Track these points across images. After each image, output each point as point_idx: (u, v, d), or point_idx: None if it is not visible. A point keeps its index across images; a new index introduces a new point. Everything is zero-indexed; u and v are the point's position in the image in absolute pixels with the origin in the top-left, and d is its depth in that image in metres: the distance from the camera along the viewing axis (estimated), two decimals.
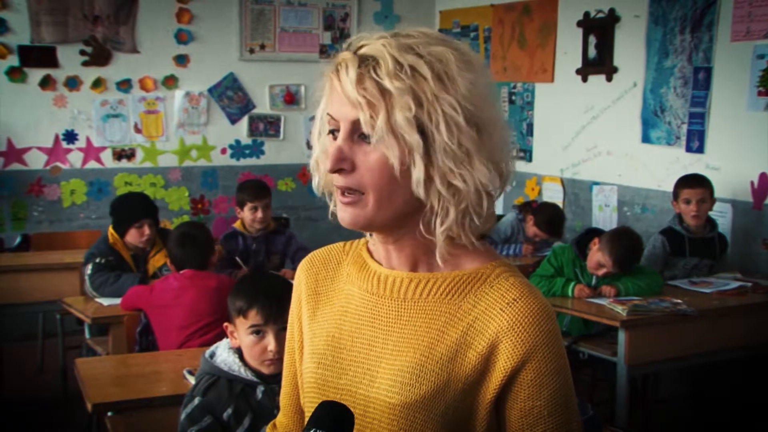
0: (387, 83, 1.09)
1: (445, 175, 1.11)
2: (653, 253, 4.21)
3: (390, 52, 1.10)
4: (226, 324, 2.26)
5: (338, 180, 1.14)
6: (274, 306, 2.14)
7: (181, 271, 3.35)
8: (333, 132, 1.15)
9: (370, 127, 1.10)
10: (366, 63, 1.11)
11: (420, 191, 1.11)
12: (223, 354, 2.18)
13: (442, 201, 1.12)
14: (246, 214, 4.40)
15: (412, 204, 1.14)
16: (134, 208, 3.96)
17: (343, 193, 1.14)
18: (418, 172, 1.10)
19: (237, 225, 4.46)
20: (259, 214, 4.36)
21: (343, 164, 1.12)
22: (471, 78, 1.12)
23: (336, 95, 1.13)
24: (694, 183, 4.22)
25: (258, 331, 2.16)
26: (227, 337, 2.26)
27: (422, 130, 1.10)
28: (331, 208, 1.22)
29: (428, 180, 1.11)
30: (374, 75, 1.10)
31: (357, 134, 1.12)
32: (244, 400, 2.10)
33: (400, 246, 1.19)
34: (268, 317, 2.15)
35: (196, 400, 2.08)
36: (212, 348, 2.23)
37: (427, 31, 1.16)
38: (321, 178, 1.21)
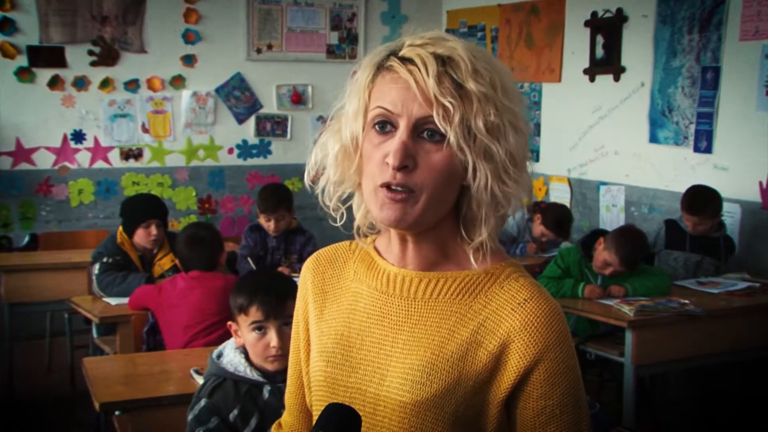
0: (471, 84, 1.10)
1: (501, 180, 1.13)
2: (649, 235, 4.21)
3: (467, 56, 1.11)
4: (230, 323, 2.27)
5: (397, 177, 1.11)
6: (274, 301, 2.14)
7: (189, 272, 3.36)
8: (381, 124, 1.13)
9: (445, 127, 1.10)
10: (443, 62, 1.11)
11: (484, 196, 1.13)
12: (229, 354, 2.19)
13: (484, 207, 1.14)
14: (262, 221, 4.45)
15: (451, 206, 1.16)
16: (142, 209, 3.98)
17: (392, 190, 1.12)
18: (482, 177, 1.11)
19: (261, 220, 4.50)
20: (272, 224, 4.39)
21: (409, 161, 1.10)
22: (519, 91, 1.17)
23: (398, 90, 1.11)
24: (692, 209, 4.17)
25: (260, 328, 2.17)
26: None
27: (492, 135, 1.12)
28: (333, 211, 1.21)
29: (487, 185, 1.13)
30: (453, 74, 1.10)
31: (420, 132, 1.11)
32: (250, 401, 2.10)
33: (419, 246, 1.19)
34: (269, 313, 2.16)
35: (203, 402, 2.09)
36: (219, 348, 2.23)
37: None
38: (340, 173, 1.19)
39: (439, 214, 1.15)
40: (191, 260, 3.37)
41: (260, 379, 2.13)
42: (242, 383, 2.12)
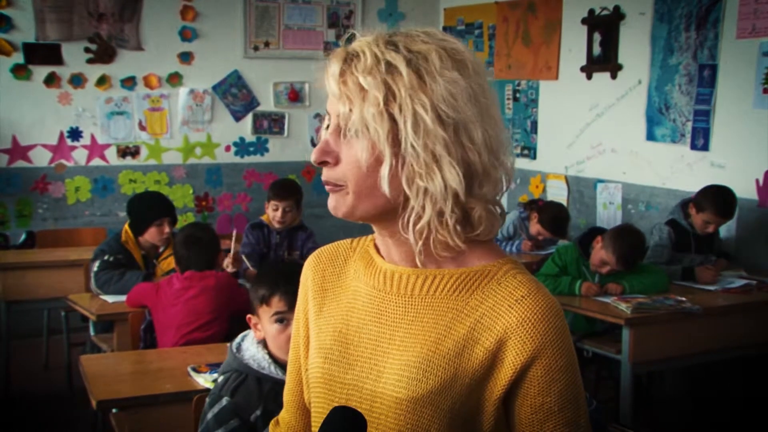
0: (364, 77, 1.11)
1: (410, 174, 1.12)
2: (660, 244, 4.18)
3: (372, 49, 1.12)
4: (249, 316, 2.22)
5: (323, 173, 1.18)
6: (298, 291, 2.09)
7: (184, 272, 3.35)
8: (329, 127, 1.18)
9: (346, 121, 1.13)
10: (349, 58, 1.13)
11: (385, 187, 1.12)
12: (251, 348, 2.12)
13: (418, 200, 1.12)
14: (269, 211, 4.45)
15: (395, 200, 1.14)
16: (155, 207, 3.98)
17: (327, 184, 1.18)
18: (384, 168, 1.12)
19: (264, 217, 4.51)
20: (279, 213, 4.40)
21: (326, 157, 1.15)
22: (454, 77, 1.11)
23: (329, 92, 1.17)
24: (725, 213, 4.08)
25: (282, 319, 2.12)
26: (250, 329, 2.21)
27: (395, 128, 1.11)
28: None
29: (396, 178, 1.12)
30: (354, 70, 1.12)
31: (344, 129, 1.15)
32: (272, 401, 2.02)
33: (398, 241, 1.19)
34: (292, 303, 2.04)
35: (224, 401, 2.02)
36: (238, 339, 2.17)
37: (430, 30, 1.16)
38: None
39: (375, 207, 1.15)
40: (188, 260, 3.37)
41: (284, 377, 2.05)
42: (265, 381, 2.06)
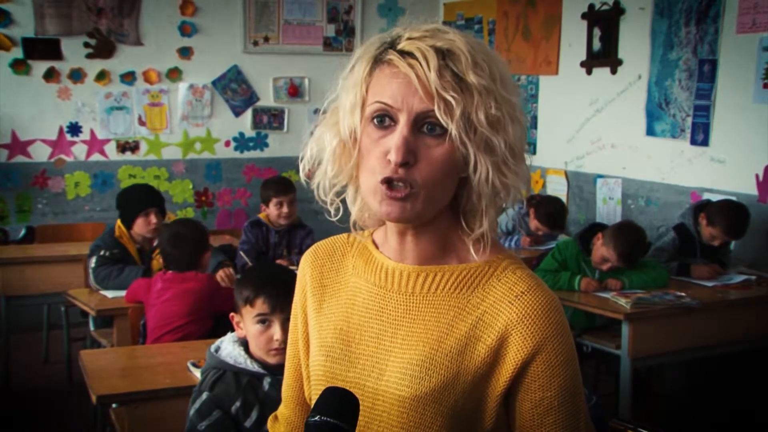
0: (472, 77, 1.09)
1: (502, 172, 1.12)
2: (661, 247, 4.17)
3: (467, 48, 1.10)
4: (232, 314, 2.27)
5: (398, 172, 1.10)
6: (281, 295, 2.14)
7: (167, 272, 3.32)
8: (380, 119, 1.12)
9: (447, 121, 1.08)
10: (443, 55, 1.10)
11: (485, 188, 1.12)
12: (228, 347, 2.19)
13: (485, 199, 1.14)
14: (272, 210, 4.43)
15: (449, 199, 1.15)
16: (140, 198, 3.98)
17: (392, 187, 1.11)
18: (483, 170, 1.11)
19: (262, 216, 4.48)
20: (285, 209, 4.40)
21: (409, 157, 1.09)
22: (516, 83, 1.16)
23: (398, 84, 1.10)
24: (735, 234, 4.02)
25: (264, 320, 2.17)
26: (232, 330, 2.27)
27: (495, 128, 1.11)
28: (329, 205, 1.20)
29: (486, 179, 1.13)
30: (454, 68, 1.09)
31: (419, 126, 1.10)
32: (251, 392, 2.10)
33: (418, 238, 1.19)
34: (275, 306, 2.16)
35: (204, 395, 2.08)
36: (217, 342, 2.23)
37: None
38: (337, 168, 1.18)
39: (438, 207, 1.15)
40: (171, 258, 3.34)
41: (260, 370, 2.14)
42: (242, 375, 2.12)
